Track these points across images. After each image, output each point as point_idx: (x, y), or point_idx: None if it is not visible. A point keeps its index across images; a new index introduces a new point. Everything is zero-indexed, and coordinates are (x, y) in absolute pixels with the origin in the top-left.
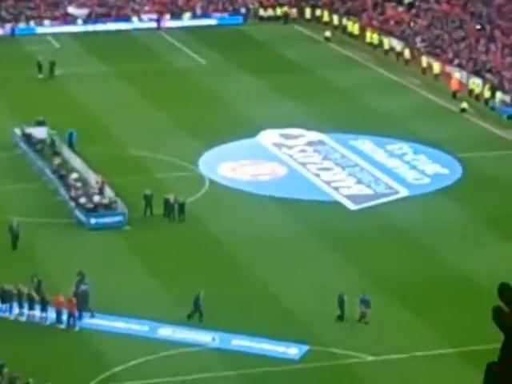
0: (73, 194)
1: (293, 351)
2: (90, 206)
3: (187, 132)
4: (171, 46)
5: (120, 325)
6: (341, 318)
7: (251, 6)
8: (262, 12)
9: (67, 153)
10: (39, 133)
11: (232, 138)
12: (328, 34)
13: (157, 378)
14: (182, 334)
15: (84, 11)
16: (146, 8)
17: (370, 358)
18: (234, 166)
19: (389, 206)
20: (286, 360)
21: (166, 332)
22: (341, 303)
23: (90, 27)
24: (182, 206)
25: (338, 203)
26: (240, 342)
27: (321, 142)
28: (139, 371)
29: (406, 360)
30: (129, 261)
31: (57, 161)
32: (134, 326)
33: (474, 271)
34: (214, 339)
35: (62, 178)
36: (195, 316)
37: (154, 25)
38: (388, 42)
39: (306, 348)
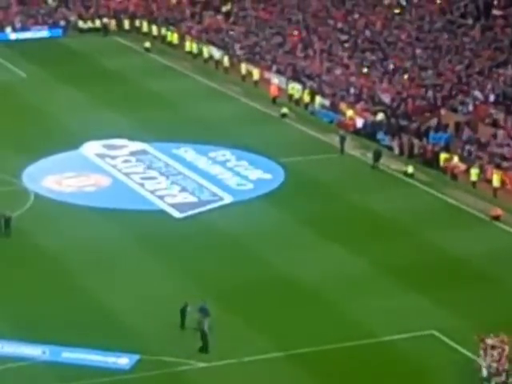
0: None
1: (123, 361)
2: None
3: (10, 146)
4: None
5: None
6: (182, 326)
7: (71, 19)
8: (81, 24)
9: None
10: None
11: (55, 150)
12: (147, 44)
13: None
14: (11, 348)
15: None
16: None
17: (201, 365)
18: (58, 178)
19: (214, 212)
20: (116, 370)
21: None
22: (182, 312)
23: None
24: (7, 221)
25: (163, 212)
26: (70, 355)
27: (144, 152)
28: None
29: (235, 365)
30: None
31: None
32: None
33: (299, 274)
34: (44, 352)
35: None
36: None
37: None
38: (207, 50)
39: (136, 357)
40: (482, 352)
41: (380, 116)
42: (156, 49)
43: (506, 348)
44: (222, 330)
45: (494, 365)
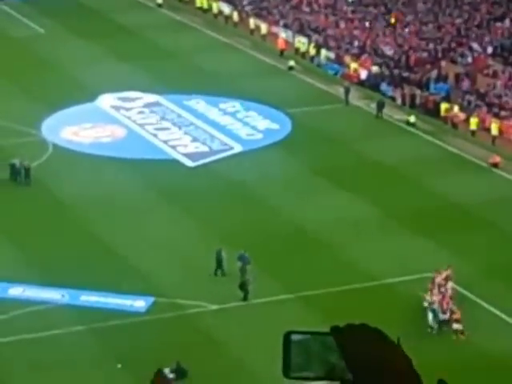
0: None
1: (139, 304)
2: None
3: (29, 98)
4: (9, 16)
5: None
6: (216, 272)
7: None
8: None
9: None
10: None
11: (73, 102)
12: (159, 0)
13: (9, 337)
14: (32, 292)
15: None
16: None
17: (214, 307)
18: (75, 129)
19: (225, 161)
20: (133, 313)
21: (16, 291)
22: (218, 258)
23: None
24: (27, 171)
25: (176, 161)
26: (89, 298)
27: (157, 104)
28: None
29: (246, 307)
30: None
31: None
32: None
33: (306, 219)
34: (63, 296)
35: None
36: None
37: None
38: (217, 5)
39: (151, 300)
40: (431, 289)
41: (375, 68)
42: (168, 4)
43: (449, 285)
44: (232, 274)
45: (436, 299)
